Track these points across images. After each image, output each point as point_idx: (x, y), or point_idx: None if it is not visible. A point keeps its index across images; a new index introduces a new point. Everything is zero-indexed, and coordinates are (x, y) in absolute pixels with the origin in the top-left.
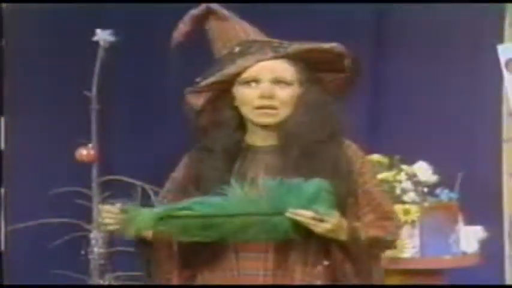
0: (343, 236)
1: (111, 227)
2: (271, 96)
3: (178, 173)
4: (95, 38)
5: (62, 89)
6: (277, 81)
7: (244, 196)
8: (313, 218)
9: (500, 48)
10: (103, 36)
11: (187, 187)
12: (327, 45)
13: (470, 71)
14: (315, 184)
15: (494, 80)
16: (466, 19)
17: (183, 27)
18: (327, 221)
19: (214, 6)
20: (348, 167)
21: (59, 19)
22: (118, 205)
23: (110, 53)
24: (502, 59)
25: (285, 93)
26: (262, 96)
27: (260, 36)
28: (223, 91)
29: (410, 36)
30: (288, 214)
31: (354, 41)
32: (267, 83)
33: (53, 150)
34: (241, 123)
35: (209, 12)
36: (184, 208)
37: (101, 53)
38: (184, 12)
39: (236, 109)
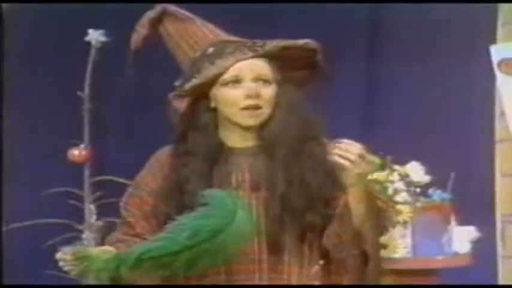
0: (363, 190)
1: (73, 273)
2: (257, 96)
3: (147, 177)
4: (87, 38)
5: (55, 89)
6: (259, 80)
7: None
8: (360, 154)
9: (492, 48)
10: (95, 36)
11: (167, 192)
12: (301, 42)
13: (463, 71)
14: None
15: (486, 80)
16: (458, 19)
17: (141, 30)
18: (369, 163)
19: (171, 7)
20: (332, 165)
21: (53, 19)
22: (69, 250)
23: (102, 53)
24: (495, 60)
25: (268, 92)
26: (248, 96)
27: (230, 37)
28: (200, 94)
29: (403, 36)
30: (336, 150)
31: (347, 41)
32: (250, 82)
33: (45, 151)
34: (219, 125)
35: (165, 14)
36: (142, 253)
37: (93, 53)
38: None
39: (213, 111)
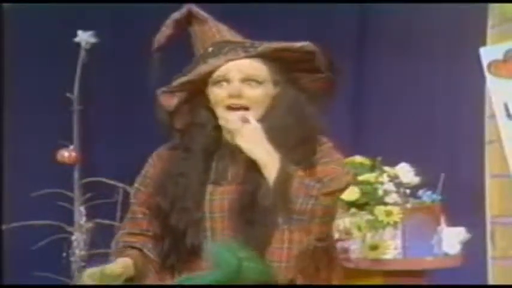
0: (271, 163)
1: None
2: (239, 96)
3: (150, 171)
4: (77, 39)
5: (44, 91)
6: (247, 80)
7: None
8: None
9: (482, 50)
10: (84, 37)
11: (163, 186)
12: (297, 45)
13: (453, 72)
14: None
15: (476, 82)
16: (448, 21)
17: (165, 30)
18: (248, 125)
19: (194, 8)
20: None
21: (51, 20)
22: (93, 273)
23: (91, 54)
24: (485, 61)
25: (255, 93)
26: (230, 96)
27: (235, 37)
28: (198, 92)
29: (392, 38)
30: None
31: (336, 41)
32: (237, 83)
33: (35, 152)
34: (217, 122)
35: (191, 15)
36: None
37: (82, 55)
38: (167, 13)
39: (211, 109)
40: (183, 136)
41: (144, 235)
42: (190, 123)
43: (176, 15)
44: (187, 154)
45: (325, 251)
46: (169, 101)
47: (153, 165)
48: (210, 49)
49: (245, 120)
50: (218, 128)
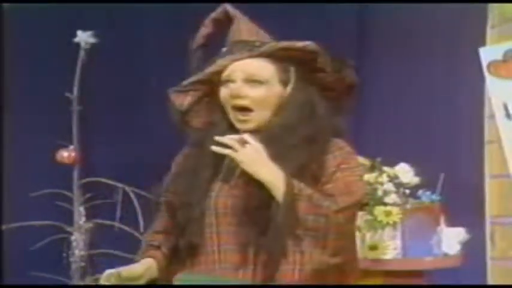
0: (277, 184)
1: None
2: (240, 96)
3: (171, 172)
4: (76, 39)
5: (44, 91)
6: (250, 81)
7: None
8: (239, 141)
9: (482, 50)
10: (84, 37)
11: (175, 182)
12: (299, 44)
13: (453, 73)
14: None
15: (476, 82)
16: (448, 21)
17: (204, 29)
18: (249, 146)
19: (228, 7)
20: (319, 171)
21: (51, 20)
22: (112, 276)
23: (91, 54)
24: (484, 62)
25: (258, 93)
26: (232, 96)
27: (252, 37)
28: (214, 91)
29: (391, 37)
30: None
31: (336, 41)
32: (239, 83)
33: (34, 152)
34: (230, 121)
35: (228, 14)
36: None
37: (81, 55)
38: (166, 14)
39: (223, 108)
40: (197, 134)
41: (165, 233)
42: (205, 121)
43: (213, 14)
44: (199, 152)
45: (338, 268)
46: (181, 100)
47: (175, 165)
48: (224, 49)
49: (244, 142)
50: (231, 127)
